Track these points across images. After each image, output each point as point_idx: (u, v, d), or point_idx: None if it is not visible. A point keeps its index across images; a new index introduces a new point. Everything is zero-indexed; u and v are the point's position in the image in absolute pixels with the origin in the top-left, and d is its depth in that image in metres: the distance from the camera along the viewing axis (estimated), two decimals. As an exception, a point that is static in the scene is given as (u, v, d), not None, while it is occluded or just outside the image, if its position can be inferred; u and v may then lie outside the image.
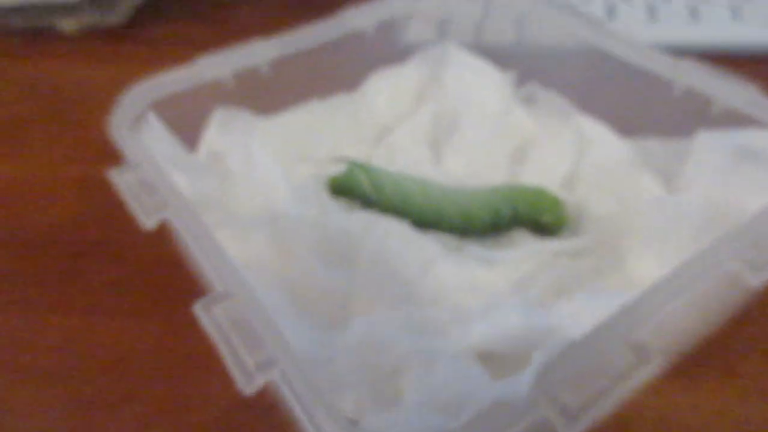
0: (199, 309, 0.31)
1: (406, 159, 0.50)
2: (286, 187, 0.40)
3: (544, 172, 0.48)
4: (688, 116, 0.43)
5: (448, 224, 0.44)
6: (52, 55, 0.74)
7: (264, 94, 0.48)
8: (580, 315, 0.33)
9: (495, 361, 0.33)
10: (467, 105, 0.52)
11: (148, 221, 0.37)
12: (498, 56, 0.57)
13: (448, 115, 0.52)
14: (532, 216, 0.45)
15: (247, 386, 0.28)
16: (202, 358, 0.35)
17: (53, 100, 0.68)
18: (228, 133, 0.45)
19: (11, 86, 0.71)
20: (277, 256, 0.42)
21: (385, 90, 0.53)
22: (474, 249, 0.41)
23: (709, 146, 0.41)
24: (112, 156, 0.38)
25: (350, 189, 0.45)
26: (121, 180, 0.40)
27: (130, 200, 0.38)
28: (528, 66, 0.56)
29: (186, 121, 0.44)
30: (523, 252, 0.42)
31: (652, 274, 0.33)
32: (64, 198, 0.54)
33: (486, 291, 0.40)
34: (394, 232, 0.40)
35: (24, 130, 0.64)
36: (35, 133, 0.64)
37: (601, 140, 0.48)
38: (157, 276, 0.48)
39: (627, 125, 0.49)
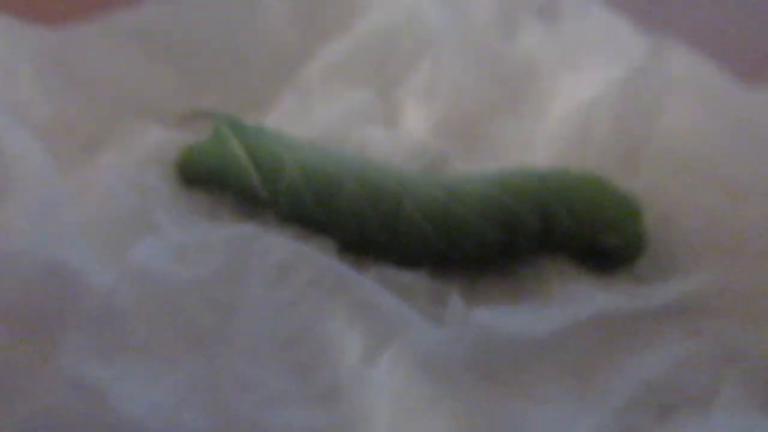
0: None
1: (335, 112, 0.32)
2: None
3: (571, 137, 0.30)
4: None
5: (411, 245, 0.26)
6: None
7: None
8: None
9: None
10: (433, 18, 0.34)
11: None
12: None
13: (402, 37, 0.34)
14: (582, 232, 0.26)
15: None
16: None
17: None
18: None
19: None
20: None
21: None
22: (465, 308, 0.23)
23: None
24: None
25: (215, 172, 0.27)
26: None
27: None
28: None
29: None
30: (575, 311, 0.23)
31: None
32: None
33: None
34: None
35: None
36: None
37: (695, 75, 0.29)
38: None
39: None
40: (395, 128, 0.32)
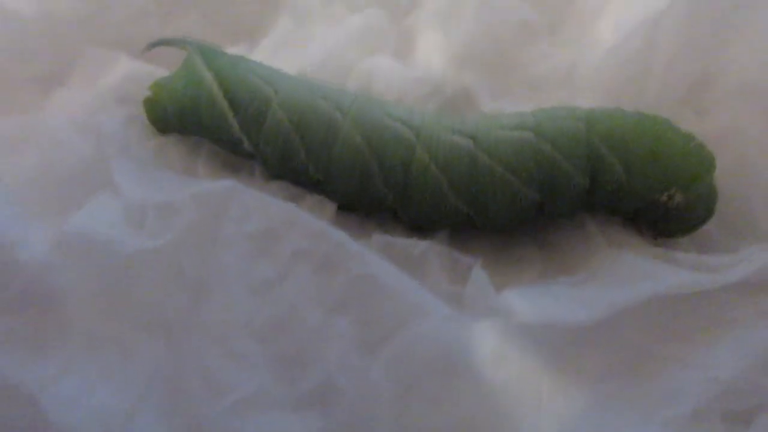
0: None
1: (336, 39, 0.27)
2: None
3: (624, 68, 0.25)
4: None
5: (425, 205, 0.22)
6: None
7: None
8: None
9: None
10: None
11: None
12: None
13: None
14: (639, 189, 0.21)
15: None
16: None
17: None
18: None
19: None
20: None
21: None
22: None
23: None
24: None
25: (188, 113, 0.23)
26: None
27: None
28: None
29: None
30: (628, 291, 0.19)
31: None
32: None
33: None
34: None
35: None
36: None
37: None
38: None
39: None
40: (408, 59, 0.28)
